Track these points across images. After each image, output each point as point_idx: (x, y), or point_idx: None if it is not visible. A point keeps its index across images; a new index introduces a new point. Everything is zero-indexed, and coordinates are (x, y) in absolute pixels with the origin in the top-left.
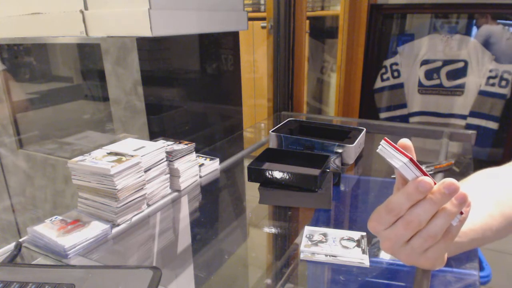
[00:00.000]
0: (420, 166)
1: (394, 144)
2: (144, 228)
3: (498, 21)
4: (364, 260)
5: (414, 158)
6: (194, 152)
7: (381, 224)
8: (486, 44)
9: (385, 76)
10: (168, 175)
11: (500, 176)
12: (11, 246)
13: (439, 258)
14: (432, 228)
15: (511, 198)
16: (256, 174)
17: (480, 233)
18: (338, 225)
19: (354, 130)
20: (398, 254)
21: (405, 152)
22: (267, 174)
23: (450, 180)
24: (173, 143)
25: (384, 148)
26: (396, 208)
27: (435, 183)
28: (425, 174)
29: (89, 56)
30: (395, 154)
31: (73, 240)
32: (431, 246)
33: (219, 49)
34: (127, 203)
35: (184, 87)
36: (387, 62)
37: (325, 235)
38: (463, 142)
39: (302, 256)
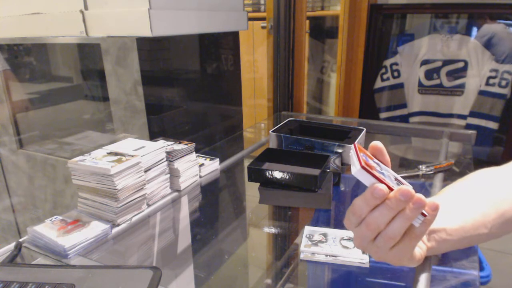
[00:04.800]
0: (381, 172)
1: (364, 149)
2: (144, 228)
3: (499, 21)
4: (364, 260)
5: (388, 161)
6: (194, 152)
7: (350, 223)
8: (488, 43)
9: (385, 76)
10: (168, 175)
11: (498, 175)
12: (11, 246)
13: (405, 255)
14: (390, 230)
15: (509, 196)
16: (256, 174)
17: (472, 231)
18: (338, 225)
19: (354, 130)
20: (367, 250)
21: (371, 156)
22: (267, 174)
23: (406, 187)
24: (173, 143)
25: (351, 153)
26: (358, 211)
27: (391, 189)
28: (380, 181)
29: (89, 56)
30: (354, 160)
31: (73, 240)
32: (395, 245)
33: (219, 49)
34: (127, 203)
35: (184, 87)
36: (387, 62)
37: (325, 235)
38: (463, 142)
39: (302, 256)
